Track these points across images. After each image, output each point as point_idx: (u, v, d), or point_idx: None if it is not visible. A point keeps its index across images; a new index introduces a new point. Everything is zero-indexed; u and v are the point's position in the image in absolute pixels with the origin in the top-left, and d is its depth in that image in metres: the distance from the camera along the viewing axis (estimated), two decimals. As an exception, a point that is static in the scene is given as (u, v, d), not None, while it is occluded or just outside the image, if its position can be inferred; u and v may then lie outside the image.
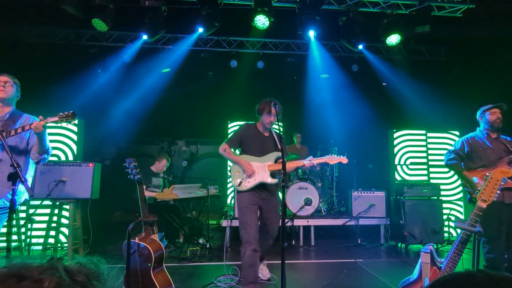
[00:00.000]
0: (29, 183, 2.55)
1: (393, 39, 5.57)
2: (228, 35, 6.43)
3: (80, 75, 6.19)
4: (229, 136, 3.32)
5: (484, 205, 2.03)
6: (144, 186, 4.69)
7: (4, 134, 2.30)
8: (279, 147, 2.65)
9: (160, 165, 5.09)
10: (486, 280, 0.57)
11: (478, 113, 3.46)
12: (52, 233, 4.40)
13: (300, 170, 5.95)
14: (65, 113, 2.41)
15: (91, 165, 4.20)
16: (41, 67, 5.70)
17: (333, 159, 2.99)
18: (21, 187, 2.36)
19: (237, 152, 3.35)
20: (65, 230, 4.54)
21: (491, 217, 3.08)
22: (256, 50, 6.59)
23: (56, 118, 2.39)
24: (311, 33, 5.56)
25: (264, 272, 3.45)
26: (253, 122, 3.33)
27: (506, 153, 3.21)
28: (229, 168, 6.62)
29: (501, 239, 3.14)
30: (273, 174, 3.07)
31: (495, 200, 2.01)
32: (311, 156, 3.01)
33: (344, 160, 2.99)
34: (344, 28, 5.71)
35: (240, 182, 3.05)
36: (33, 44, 5.93)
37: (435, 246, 4.58)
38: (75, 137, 5.04)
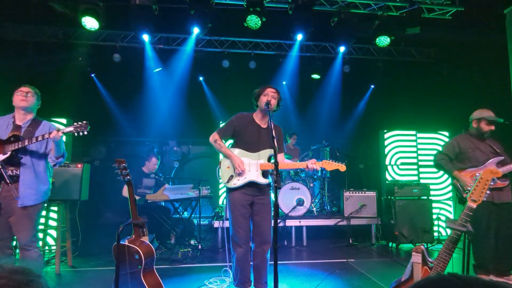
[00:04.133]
0: (50, 184, 2.90)
1: (384, 40, 5.63)
2: (220, 35, 6.40)
3: (68, 74, 6.09)
4: (221, 125, 3.04)
5: (474, 205, 2.05)
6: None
7: (26, 141, 2.61)
8: (275, 143, 2.46)
9: (151, 164, 5.02)
10: (460, 283, 0.58)
11: (475, 116, 3.47)
12: (40, 235, 4.30)
13: (292, 171, 5.96)
14: (79, 123, 2.69)
15: (80, 165, 4.11)
16: (28, 65, 5.59)
17: (331, 165, 2.78)
18: (44, 187, 2.77)
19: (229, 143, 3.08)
20: (53, 232, 4.44)
21: (481, 217, 3.13)
22: (248, 50, 6.58)
23: (71, 128, 2.68)
24: (299, 37, 5.62)
25: None
26: (249, 111, 3.07)
27: (494, 154, 3.29)
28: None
29: (490, 238, 3.20)
30: (265, 174, 2.89)
31: (484, 200, 2.03)
32: (314, 159, 2.80)
33: (342, 167, 2.77)
34: (335, 29, 5.74)
35: (229, 179, 2.86)
36: (19, 42, 5.80)
37: (425, 246, 4.64)
38: (64, 137, 4.93)
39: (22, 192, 2.62)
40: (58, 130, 2.64)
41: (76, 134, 2.69)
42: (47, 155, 2.86)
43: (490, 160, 3.25)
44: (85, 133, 2.71)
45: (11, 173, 2.63)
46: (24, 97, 2.77)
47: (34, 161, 2.74)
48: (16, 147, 2.60)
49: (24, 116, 2.82)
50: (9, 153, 2.60)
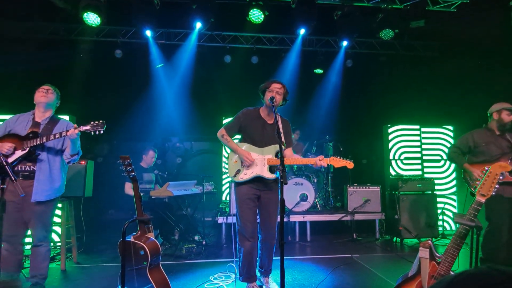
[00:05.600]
0: (65, 180, 2.99)
1: (387, 34, 5.57)
2: (222, 30, 6.35)
3: (70, 70, 6.06)
4: (228, 121, 3.07)
5: (482, 200, 2.03)
6: (131, 184, 4.64)
7: (45, 138, 2.69)
8: (282, 138, 2.44)
9: (148, 158, 5.01)
10: (501, 277, 0.55)
11: (494, 108, 3.46)
12: (46, 231, 4.32)
13: (295, 166, 5.94)
14: (96, 122, 2.73)
15: (83, 162, 4.10)
16: (30, 62, 5.57)
17: (338, 161, 2.75)
18: (57, 184, 2.86)
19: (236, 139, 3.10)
20: (57, 229, 4.46)
21: (495, 210, 3.13)
22: (250, 45, 6.53)
23: (88, 127, 2.73)
24: (302, 31, 5.57)
25: (269, 285, 3.07)
26: (256, 106, 3.09)
27: (510, 149, 3.26)
28: (224, 165, 6.59)
29: (502, 232, 3.18)
30: (271, 169, 2.89)
31: (493, 194, 2.01)
32: (322, 156, 2.79)
33: (350, 164, 2.73)
34: (339, 23, 5.69)
35: (236, 173, 2.87)
36: (21, 39, 5.77)
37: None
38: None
39: (36, 187, 2.72)
40: (76, 128, 2.70)
41: (92, 133, 2.74)
42: (63, 152, 2.94)
43: (505, 155, 3.22)
44: (101, 132, 2.75)
45: (28, 169, 2.75)
46: (45, 94, 2.88)
47: (50, 157, 2.84)
48: (35, 143, 2.69)
49: (43, 113, 2.92)
50: (27, 149, 2.69)
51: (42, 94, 2.87)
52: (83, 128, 2.71)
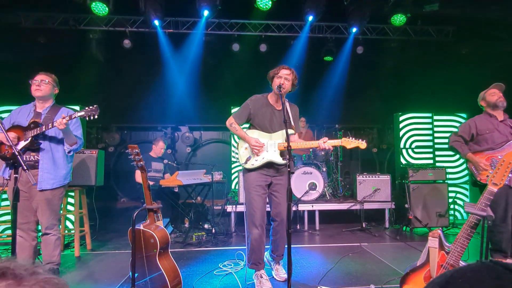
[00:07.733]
0: (71, 168, 3.02)
1: (399, 19, 5.41)
2: (229, 17, 6.27)
3: (80, 60, 6.11)
4: (237, 109, 3.06)
5: (495, 189, 1.98)
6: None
7: (44, 126, 2.71)
8: (292, 124, 2.38)
9: (158, 148, 5.07)
10: (506, 274, 0.54)
11: (479, 99, 3.47)
12: (59, 219, 4.44)
13: (304, 155, 5.91)
14: (90, 107, 2.71)
15: (94, 152, 4.17)
16: (40, 53, 5.64)
17: (350, 142, 2.68)
18: (62, 172, 2.87)
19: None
20: (72, 216, 4.58)
21: (498, 201, 3.05)
22: (258, 33, 6.43)
23: (82, 113, 2.69)
24: (311, 17, 5.44)
25: (280, 273, 3.13)
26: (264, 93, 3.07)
27: None
28: (233, 154, 6.61)
29: (508, 222, 3.12)
30: (282, 154, 2.88)
31: (506, 183, 1.96)
32: (326, 138, 2.74)
33: (362, 145, 2.65)
34: (349, 8, 5.54)
35: (247, 160, 2.87)
36: (31, 29, 5.83)
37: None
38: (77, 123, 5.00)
39: (41, 176, 2.77)
40: (64, 117, 2.64)
41: (87, 118, 2.71)
42: None
43: (509, 142, 3.13)
44: (96, 116, 2.72)
45: (33, 158, 2.79)
46: (38, 87, 2.85)
47: (52, 146, 2.85)
48: (35, 133, 2.72)
49: (43, 103, 2.93)
50: (29, 139, 2.72)
51: (35, 88, 2.84)
52: (78, 114, 2.70)
